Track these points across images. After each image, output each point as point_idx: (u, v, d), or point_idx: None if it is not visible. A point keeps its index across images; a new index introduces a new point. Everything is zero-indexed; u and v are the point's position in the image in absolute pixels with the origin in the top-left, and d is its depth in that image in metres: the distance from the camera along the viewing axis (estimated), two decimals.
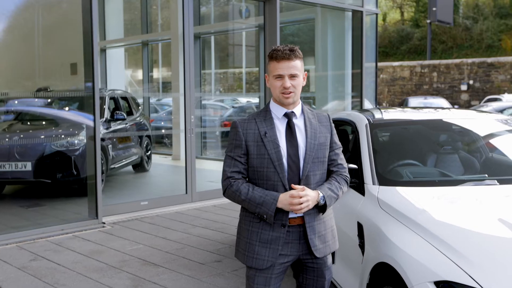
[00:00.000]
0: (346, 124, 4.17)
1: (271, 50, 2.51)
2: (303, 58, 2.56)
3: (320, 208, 2.49)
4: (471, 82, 23.29)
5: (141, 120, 9.71)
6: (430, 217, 2.86)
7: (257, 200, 2.42)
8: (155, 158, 10.23)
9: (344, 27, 10.14)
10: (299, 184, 2.46)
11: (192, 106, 7.44)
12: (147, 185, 9.15)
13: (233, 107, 13.47)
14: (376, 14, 10.57)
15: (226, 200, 7.47)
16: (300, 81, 2.50)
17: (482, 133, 4.19)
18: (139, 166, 9.52)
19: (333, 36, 10.19)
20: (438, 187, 3.33)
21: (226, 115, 13.00)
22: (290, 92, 2.47)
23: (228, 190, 2.50)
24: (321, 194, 2.45)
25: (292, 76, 2.47)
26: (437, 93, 23.73)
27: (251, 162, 2.50)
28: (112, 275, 4.49)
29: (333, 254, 2.83)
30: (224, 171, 2.52)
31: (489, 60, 23.42)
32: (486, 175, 3.54)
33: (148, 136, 9.95)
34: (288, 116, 2.52)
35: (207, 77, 13.42)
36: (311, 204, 2.42)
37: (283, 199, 2.40)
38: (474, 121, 4.30)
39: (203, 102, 11.90)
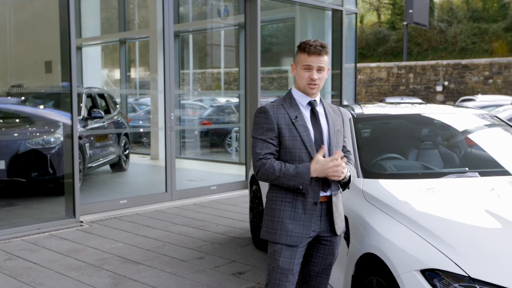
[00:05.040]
0: None
1: (302, 43, 2.67)
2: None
3: (343, 185, 2.67)
4: (446, 83, 23.63)
5: (119, 119, 9.58)
6: (414, 208, 2.87)
7: (291, 172, 2.53)
8: (133, 157, 10.10)
9: (324, 26, 10.18)
10: None
11: (172, 104, 7.37)
12: (125, 184, 9.03)
13: (211, 106, 13.40)
14: (356, 13, 10.63)
15: (206, 199, 7.44)
16: (325, 75, 2.69)
17: (461, 127, 4.24)
18: (117, 165, 9.39)
19: (314, 35, 10.21)
20: (421, 179, 3.36)
21: (205, 114, 12.93)
22: (316, 84, 2.64)
23: (261, 169, 2.59)
24: (348, 172, 2.63)
25: (320, 69, 2.65)
26: (413, 93, 24.02)
27: (284, 144, 2.62)
28: (91, 273, 4.40)
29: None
30: (256, 153, 2.62)
31: (463, 62, 23.81)
32: (467, 168, 3.58)
33: (126, 135, 9.83)
34: (312, 104, 2.70)
35: (186, 77, 13.33)
36: (346, 172, 2.58)
37: (317, 166, 2.52)
38: (454, 115, 4.36)
39: (182, 101, 11.81)
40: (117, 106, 9.95)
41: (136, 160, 10.59)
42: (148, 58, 11.65)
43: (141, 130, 12.93)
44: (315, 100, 2.71)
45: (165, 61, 7.28)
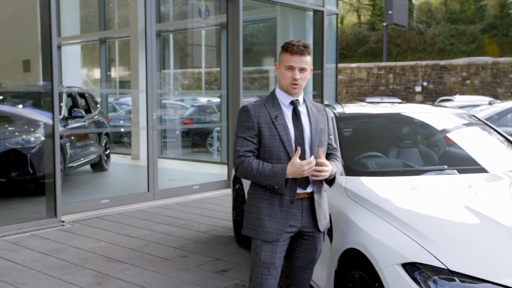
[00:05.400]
0: None
1: (286, 43, 2.73)
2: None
3: (329, 182, 2.74)
4: (425, 83, 23.94)
5: (99, 119, 9.53)
6: (396, 204, 2.94)
7: (268, 172, 2.61)
8: (113, 157, 10.04)
9: (305, 26, 10.25)
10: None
11: (155, 103, 7.36)
12: (106, 184, 8.98)
13: (193, 106, 13.39)
14: (337, 14, 10.73)
15: (189, 198, 7.44)
16: (307, 75, 2.75)
17: (440, 126, 4.34)
18: (98, 165, 9.34)
19: (295, 36, 10.28)
20: (402, 177, 3.44)
21: (187, 114, 12.92)
22: (298, 84, 2.71)
23: (240, 166, 2.67)
24: (333, 169, 2.71)
25: (302, 70, 2.71)
26: (393, 94, 24.29)
27: (263, 142, 2.70)
28: (74, 272, 4.39)
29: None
30: (236, 150, 2.70)
31: (442, 62, 24.14)
32: (446, 166, 3.67)
33: (107, 135, 9.77)
34: (294, 104, 2.76)
35: (166, 77, 13.30)
36: (327, 174, 2.63)
37: (292, 168, 2.57)
38: (433, 115, 4.45)
39: (163, 101, 11.78)
40: (98, 105, 9.89)
41: (117, 160, 10.53)
42: (129, 57, 11.58)
43: (122, 130, 12.86)
44: (297, 100, 2.77)
45: (147, 61, 7.27)
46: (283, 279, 2.85)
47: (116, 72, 14.61)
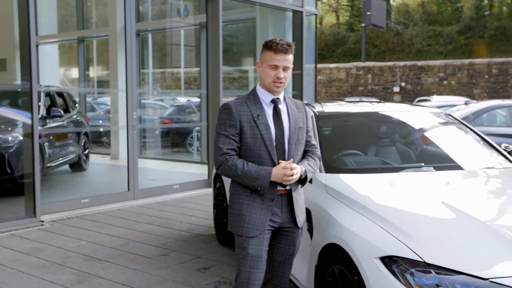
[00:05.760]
0: None
1: (269, 41, 2.74)
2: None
3: (301, 181, 2.77)
4: (403, 84, 24.24)
5: (78, 118, 9.46)
6: (374, 200, 3.01)
7: (253, 174, 2.65)
8: (92, 157, 9.97)
9: (284, 27, 10.32)
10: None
11: (135, 102, 7.35)
12: (86, 184, 8.93)
13: (172, 105, 13.37)
14: (316, 15, 10.82)
15: (169, 197, 7.45)
16: (290, 74, 2.78)
17: (417, 125, 4.43)
18: (77, 165, 9.27)
19: (274, 36, 10.28)
20: (380, 174, 3.51)
21: (166, 114, 12.89)
22: (281, 83, 2.73)
23: (223, 165, 2.69)
24: (303, 169, 2.75)
25: (285, 68, 2.73)
26: (371, 94, 24.54)
27: (244, 141, 2.72)
28: (55, 271, 4.37)
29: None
30: (219, 147, 2.71)
31: (419, 63, 24.47)
32: (423, 164, 3.76)
33: (86, 135, 9.70)
34: (275, 102, 2.79)
35: (145, 77, 13.25)
36: (297, 176, 2.69)
37: (276, 173, 2.65)
38: (410, 114, 4.54)
39: (142, 101, 11.74)
40: (76, 105, 9.81)
41: (96, 160, 10.46)
42: (107, 56, 11.51)
43: (101, 129, 12.77)
44: (278, 98, 2.79)
45: (127, 60, 7.25)
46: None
47: (95, 72, 14.50)
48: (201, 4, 9.42)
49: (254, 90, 2.84)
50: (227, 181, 4.97)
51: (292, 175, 2.64)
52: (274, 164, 2.70)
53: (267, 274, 2.89)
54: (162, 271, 4.38)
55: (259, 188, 2.66)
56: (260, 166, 2.67)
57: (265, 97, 2.79)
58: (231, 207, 2.79)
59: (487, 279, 2.30)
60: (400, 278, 2.40)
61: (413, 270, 2.39)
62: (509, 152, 4.24)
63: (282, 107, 2.80)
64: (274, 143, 2.71)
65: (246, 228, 2.70)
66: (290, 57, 2.73)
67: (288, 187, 2.75)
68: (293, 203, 2.77)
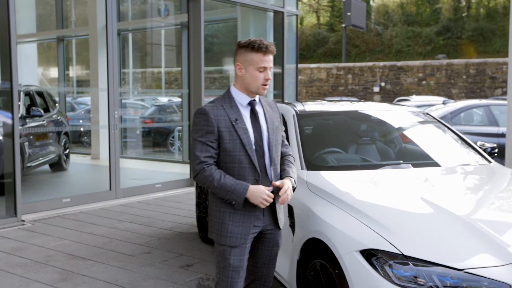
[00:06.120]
0: None
1: (252, 42, 2.63)
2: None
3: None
4: (383, 84, 24.52)
5: (58, 118, 9.40)
6: (354, 196, 3.09)
7: (229, 187, 2.57)
8: (73, 157, 9.91)
9: (266, 27, 10.39)
10: (270, 165, 2.69)
11: (116, 102, 7.35)
12: (67, 183, 8.88)
13: (153, 105, 13.35)
14: (297, 15, 10.92)
15: (151, 196, 7.46)
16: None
17: (396, 123, 4.53)
18: (57, 165, 9.21)
19: (256, 36, 10.33)
20: (360, 171, 3.60)
21: (147, 114, 12.88)
22: (267, 84, 2.67)
23: (200, 175, 2.60)
24: (293, 179, 2.75)
25: (270, 69, 2.68)
26: (352, 94, 24.78)
27: (224, 147, 2.62)
28: (37, 270, 4.37)
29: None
30: (196, 156, 2.61)
31: (399, 63, 24.77)
32: (401, 161, 3.86)
33: (66, 134, 9.64)
34: (252, 104, 2.71)
35: (126, 76, 13.20)
36: (291, 192, 2.66)
37: (254, 191, 2.58)
38: (390, 112, 4.64)
39: (123, 101, 11.70)
40: (56, 104, 9.75)
41: (76, 160, 10.40)
42: (87, 56, 11.45)
43: (81, 129, 12.69)
44: (254, 100, 2.71)
45: (108, 59, 7.25)
46: (246, 276, 2.84)
47: (74, 71, 14.40)
48: (182, 4, 9.44)
49: (228, 92, 2.72)
50: None
51: (268, 201, 2.59)
52: (254, 169, 2.63)
53: (250, 275, 2.85)
54: (146, 268, 4.41)
55: (233, 202, 2.59)
56: (237, 181, 2.58)
57: (241, 100, 2.69)
58: (212, 215, 2.71)
59: (461, 269, 2.40)
60: (379, 270, 2.48)
61: (391, 262, 2.48)
62: (484, 150, 4.36)
63: (258, 108, 2.73)
64: (254, 147, 2.64)
65: (230, 237, 2.63)
66: (272, 57, 2.70)
67: (270, 190, 2.64)
68: (275, 207, 2.72)
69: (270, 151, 2.69)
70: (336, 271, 2.69)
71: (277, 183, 2.67)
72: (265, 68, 2.64)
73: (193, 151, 2.63)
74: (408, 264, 2.45)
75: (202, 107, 2.66)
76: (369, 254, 2.55)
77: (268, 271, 2.86)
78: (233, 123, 2.62)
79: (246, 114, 2.69)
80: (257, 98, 2.74)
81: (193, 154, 2.63)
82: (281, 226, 2.79)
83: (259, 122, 2.70)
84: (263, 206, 2.60)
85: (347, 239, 2.69)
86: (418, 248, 2.52)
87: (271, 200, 2.60)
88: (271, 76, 2.67)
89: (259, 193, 2.58)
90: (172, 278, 4.19)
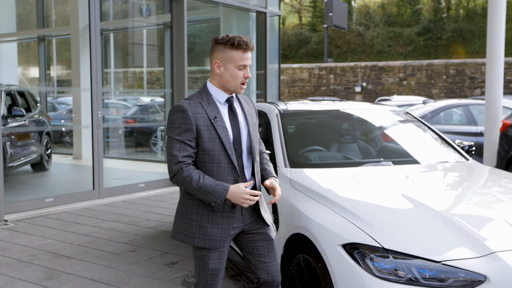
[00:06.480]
0: (258, 114, 4.41)
1: (232, 38, 2.54)
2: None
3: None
4: (364, 84, 24.75)
5: (40, 117, 9.35)
6: (337, 192, 3.17)
7: (208, 188, 2.48)
8: (54, 157, 9.86)
9: (248, 27, 10.46)
10: (249, 164, 2.65)
11: (100, 101, 7.35)
12: (49, 183, 8.84)
13: (136, 105, 13.32)
14: (279, 15, 11.00)
15: (135, 196, 7.47)
16: None
17: (377, 122, 4.64)
18: (39, 165, 9.16)
19: None
20: (342, 168, 3.68)
21: (130, 114, 12.85)
22: (246, 83, 2.61)
23: (178, 175, 2.50)
24: (277, 179, 2.77)
25: (249, 66, 2.61)
26: (333, 94, 24.96)
27: (202, 145, 2.53)
28: (22, 269, 4.37)
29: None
30: (173, 155, 2.50)
31: (380, 64, 25.02)
32: (382, 159, 3.96)
33: (48, 134, 9.60)
34: (230, 101, 2.63)
35: (108, 76, 13.15)
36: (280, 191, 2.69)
37: (235, 192, 2.50)
38: (371, 111, 4.75)
39: (105, 101, 11.66)
40: (38, 104, 9.70)
41: (58, 160, 10.35)
42: (68, 55, 11.38)
43: (63, 129, 12.61)
44: (232, 97, 2.64)
45: (92, 59, 7.24)
46: (252, 275, 2.78)
47: (55, 71, 14.30)
48: (165, 4, 9.45)
49: (205, 88, 2.63)
50: None
51: (252, 200, 2.53)
52: (234, 169, 2.56)
53: (255, 276, 2.74)
54: (131, 266, 4.44)
55: (212, 204, 2.51)
56: (217, 182, 2.50)
57: (219, 96, 2.61)
58: (186, 217, 2.60)
59: (439, 261, 2.49)
60: (361, 263, 2.57)
61: (372, 255, 2.56)
62: (462, 148, 4.48)
63: (236, 105, 2.66)
64: (233, 146, 2.56)
65: (209, 240, 2.55)
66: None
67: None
68: (259, 207, 2.67)
69: (252, 148, 2.63)
70: (319, 265, 2.77)
71: (267, 183, 2.67)
72: (245, 66, 2.56)
73: (170, 151, 2.51)
74: (389, 257, 2.54)
75: (179, 103, 2.55)
76: (351, 248, 2.63)
77: (271, 269, 2.70)
78: (212, 121, 2.53)
79: (224, 111, 2.61)
80: (234, 94, 2.67)
81: (170, 153, 2.51)
82: (268, 223, 2.72)
83: (237, 119, 2.62)
84: (246, 206, 2.53)
85: (330, 234, 2.77)
86: (398, 241, 2.61)
87: (255, 199, 2.53)
88: (249, 73, 2.61)
89: (240, 193, 2.50)
90: (157, 275, 4.23)
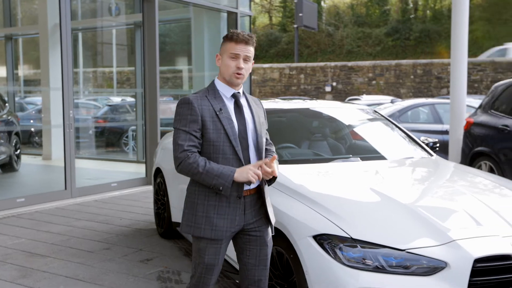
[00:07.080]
0: None
1: (230, 33, 2.65)
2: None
3: (270, 181, 2.71)
4: (334, 84, 25.08)
5: (9, 117, 9.25)
6: (308, 187, 3.31)
7: (215, 171, 2.50)
8: (23, 158, 9.75)
9: (219, 27, 10.53)
10: (255, 158, 2.64)
11: (71, 101, 7.34)
12: (20, 184, 8.75)
13: (107, 105, 13.25)
14: (250, 16, 11.11)
15: (107, 195, 7.47)
16: (250, 67, 2.68)
17: (346, 120, 4.80)
18: (8, 166, 9.06)
19: (209, 37, 10.52)
20: (312, 164, 3.82)
21: (100, 113, 12.77)
22: (241, 74, 2.62)
23: (184, 162, 2.53)
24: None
25: (246, 59, 2.63)
26: (304, 93, 25.22)
27: (207, 137, 2.57)
28: None
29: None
30: (179, 144, 2.55)
31: (350, 64, 25.39)
32: (351, 155, 4.12)
33: (17, 135, 9.49)
34: (236, 97, 2.68)
35: (77, 76, 13.03)
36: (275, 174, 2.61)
37: (242, 170, 2.51)
38: (340, 110, 4.91)
39: (75, 100, 11.56)
40: (6, 104, 9.59)
41: (27, 161, 10.23)
42: (37, 54, 11.26)
43: (32, 129, 12.46)
44: (238, 92, 2.68)
45: (63, 58, 7.22)
46: (240, 281, 2.79)
47: (23, 70, 14.09)
48: (135, 4, 9.46)
49: (213, 84, 2.70)
50: (168, 177, 5.13)
51: (258, 174, 2.51)
52: (239, 160, 2.58)
53: (244, 281, 2.75)
54: (106, 263, 4.49)
55: (221, 188, 2.50)
56: (223, 165, 2.53)
57: (225, 91, 2.67)
58: (192, 208, 2.62)
59: (404, 250, 2.65)
60: (331, 253, 2.70)
61: (341, 245, 2.70)
62: (427, 145, 4.67)
63: (243, 101, 2.70)
64: (238, 138, 2.59)
65: (215, 230, 2.57)
66: (251, 48, 2.64)
67: (252, 186, 2.63)
68: (265, 201, 2.67)
69: (259, 143, 2.65)
70: (291, 256, 2.89)
71: (266, 160, 2.59)
72: (237, 56, 2.60)
73: (176, 141, 2.56)
74: (357, 247, 2.68)
75: (186, 96, 2.62)
76: (321, 239, 2.77)
77: (260, 273, 2.71)
78: (217, 113, 2.58)
79: (230, 105, 2.65)
80: (241, 91, 2.71)
81: (176, 143, 2.56)
82: (273, 221, 2.71)
83: (243, 114, 2.66)
84: (254, 180, 2.50)
85: (301, 226, 2.90)
86: (365, 232, 2.75)
87: (260, 175, 2.52)
88: (247, 67, 2.63)
89: (246, 168, 2.51)
90: (132, 271, 4.29)
